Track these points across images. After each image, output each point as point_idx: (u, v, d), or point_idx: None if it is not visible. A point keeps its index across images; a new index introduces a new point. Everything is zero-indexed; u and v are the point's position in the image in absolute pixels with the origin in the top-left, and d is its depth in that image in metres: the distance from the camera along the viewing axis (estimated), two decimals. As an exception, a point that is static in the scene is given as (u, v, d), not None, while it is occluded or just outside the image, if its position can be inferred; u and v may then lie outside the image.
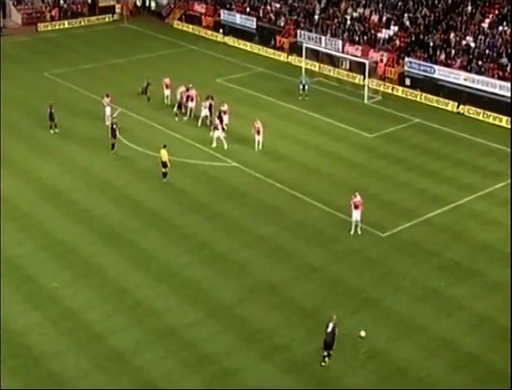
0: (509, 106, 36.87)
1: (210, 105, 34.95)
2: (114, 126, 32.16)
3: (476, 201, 28.68)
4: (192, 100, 35.87)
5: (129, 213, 27.51)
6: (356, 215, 25.93)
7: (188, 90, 36.21)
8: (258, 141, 32.56)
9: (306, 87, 39.39)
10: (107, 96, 35.44)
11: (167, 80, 38.16)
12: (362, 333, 20.48)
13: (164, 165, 29.63)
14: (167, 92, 37.97)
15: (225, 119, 33.97)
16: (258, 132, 32.42)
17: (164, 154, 29.57)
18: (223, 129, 32.90)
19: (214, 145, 32.68)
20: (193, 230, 26.33)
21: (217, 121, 33.07)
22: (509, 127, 35.86)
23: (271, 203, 28.39)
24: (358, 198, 25.94)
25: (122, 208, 27.89)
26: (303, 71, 41.70)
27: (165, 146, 29.89)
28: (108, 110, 35.22)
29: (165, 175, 29.73)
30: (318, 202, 28.37)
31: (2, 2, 55.60)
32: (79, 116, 36.74)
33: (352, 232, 25.97)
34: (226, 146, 32.51)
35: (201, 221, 26.97)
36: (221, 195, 28.97)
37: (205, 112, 34.84)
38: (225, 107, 34.23)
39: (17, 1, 55.96)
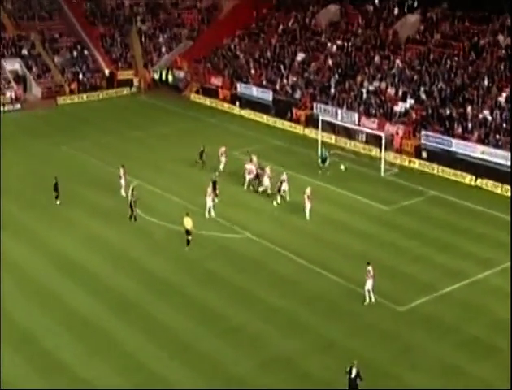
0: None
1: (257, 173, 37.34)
2: (134, 198, 33.42)
3: (495, 276, 29.03)
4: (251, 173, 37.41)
5: (144, 284, 28.27)
6: (368, 285, 26.54)
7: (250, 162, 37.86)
8: (308, 208, 33.99)
9: (328, 161, 40.39)
10: (123, 166, 36.97)
11: (223, 149, 39.82)
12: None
13: (188, 233, 30.84)
14: (223, 159, 39.65)
15: (284, 186, 35.78)
16: (309, 199, 33.90)
17: (188, 222, 30.84)
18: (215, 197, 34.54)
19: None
20: (208, 302, 26.94)
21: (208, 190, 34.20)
22: (528, 200, 36.47)
23: (286, 274, 29.00)
24: (370, 268, 26.62)
25: (137, 279, 28.66)
26: (319, 144, 42.97)
27: (188, 214, 31.21)
28: (123, 181, 36.73)
29: (188, 242, 30.90)
30: (334, 274, 28.93)
31: (23, 76, 58.44)
32: (96, 188, 38.11)
33: (366, 302, 26.49)
34: (212, 215, 33.72)
35: (217, 293, 27.61)
36: (236, 266, 29.70)
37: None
38: (284, 176, 36.00)
39: (37, 75, 58.77)
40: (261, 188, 36.84)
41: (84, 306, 26.59)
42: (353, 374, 19.66)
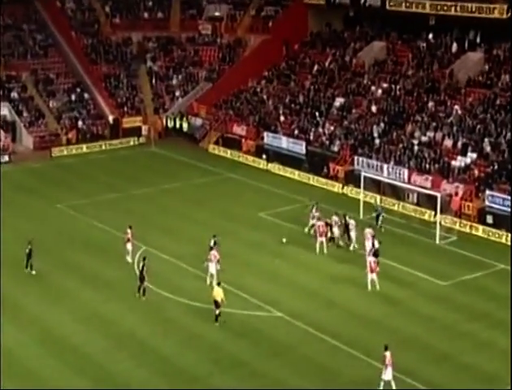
0: None
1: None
2: (145, 267, 34.28)
3: None
4: None
5: (153, 371, 28.73)
6: (387, 375, 26.98)
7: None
8: (373, 280, 34.87)
9: (381, 217, 42.29)
10: (130, 228, 38.08)
11: None
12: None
13: (217, 305, 31.75)
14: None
15: (352, 234, 39.38)
16: (372, 271, 34.83)
17: (218, 293, 31.85)
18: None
19: None
20: (231, 394, 27.46)
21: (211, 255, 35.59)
22: None
23: (322, 361, 29.36)
24: (387, 354, 27.07)
25: (144, 365, 29.18)
26: (361, 203, 43.67)
27: (219, 284, 32.27)
28: (130, 245, 37.74)
29: (217, 317, 31.80)
30: (378, 362, 29.08)
31: (12, 123, 60.39)
32: (96, 254, 39.13)
33: None
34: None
35: (240, 382, 28.05)
36: (263, 351, 30.18)
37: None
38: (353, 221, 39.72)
39: (29, 122, 60.74)
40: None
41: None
42: None
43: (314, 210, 41.38)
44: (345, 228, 40.25)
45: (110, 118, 62.43)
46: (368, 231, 38.66)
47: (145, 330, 31.93)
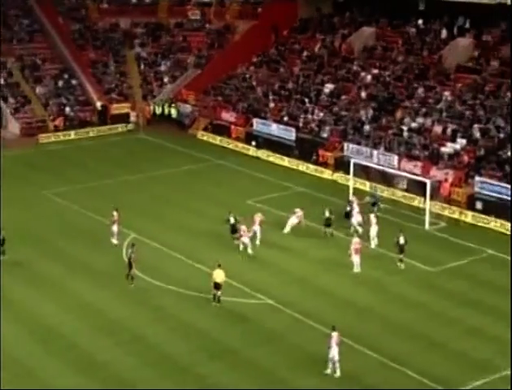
0: None
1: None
2: (133, 254, 34.19)
3: None
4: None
5: (141, 359, 28.60)
6: (333, 352, 27.27)
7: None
8: (356, 262, 35.29)
9: (378, 205, 42.48)
10: (116, 210, 38.28)
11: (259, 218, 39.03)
12: None
13: (217, 287, 32.14)
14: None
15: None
16: (357, 252, 35.15)
17: (219, 275, 32.24)
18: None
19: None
20: (217, 381, 27.30)
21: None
22: None
23: (312, 350, 29.30)
24: (334, 335, 27.48)
25: (133, 353, 29.07)
26: (350, 189, 43.66)
27: (220, 265, 32.51)
28: (115, 227, 37.91)
29: (217, 298, 32.34)
30: (369, 350, 29.22)
31: (-2, 110, 59.96)
32: (83, 242, 38.93)
33: (328, 371, 27.27)
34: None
35: (230, 370, 28.00)
36: (253, 338, 30.13)
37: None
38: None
39: (15, 108, 60.28)
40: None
41: (70, 387, 26.96)
42: None
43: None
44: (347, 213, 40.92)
45: (98, 104, 62.03)
46: (373, 217, 38.99)
47: (133, 318, 31.76)
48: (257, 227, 38.35)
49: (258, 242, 38.20)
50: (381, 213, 41.90)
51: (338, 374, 27.42)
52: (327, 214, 39.44)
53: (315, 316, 31.58)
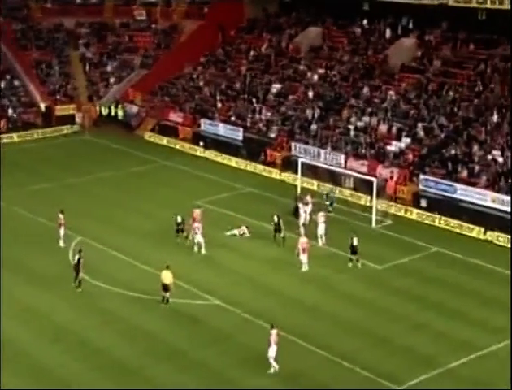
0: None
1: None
2: (81, 260, 33.73)
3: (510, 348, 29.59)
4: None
5: (88, 364, 28.35)
6: (271, 351, 27.46)
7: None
8: (304, 261, 35.54)
9: (333, 204, 42.75)
10: (61, 213, 37.90)
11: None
12: None
13: (166, 289, 32.05)
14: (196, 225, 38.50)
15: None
16: (304, 251, 35.26)
17: (167, 276, 32.11)
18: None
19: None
20: (166, 383, 27.17)
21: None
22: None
23: (261, 349, 29.25)
24: (273, 332, 27.64)
25: (80, 359, 28.77)
26: (298, 187, 43.87)
27: (168, 267, 32.32)
28: (62, 230, 37.61)
29: (167, 300, 32.24)
30: (318, 348, 29.43)
31: None
32: (27, 246, 38.40)
33: (272, 371, 27.46)
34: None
35: (176, 372, 27.88)
36: (201, 340, 30.07)
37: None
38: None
39: (-47, 111, 59.15)
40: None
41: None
42: None
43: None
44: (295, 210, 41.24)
45: (42, 105, 61.35)
46: (321, 215, 39.04)
47: (79, 322, 31.46)
48: (198, 224, 37.87)
49: (201, 239, 37.83)
50: (333, 212, 42.32)
51: (272, 371, 27.54)
52: (275, 219, 39.04)
53: (264, 315, 31.65)
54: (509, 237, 39.07)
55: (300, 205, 40.97)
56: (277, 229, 38.94)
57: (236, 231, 39.78)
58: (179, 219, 38.50)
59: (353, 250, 36.32)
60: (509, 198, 40.79)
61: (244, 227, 39.87)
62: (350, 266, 36.44)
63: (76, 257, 34.19)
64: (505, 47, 51.13)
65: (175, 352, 29.28)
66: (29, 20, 68.67)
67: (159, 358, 28.78)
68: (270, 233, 39.21)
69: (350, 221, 42.00)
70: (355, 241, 36.33)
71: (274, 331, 27.83)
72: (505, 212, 40.69)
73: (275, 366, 27.63)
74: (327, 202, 43.04)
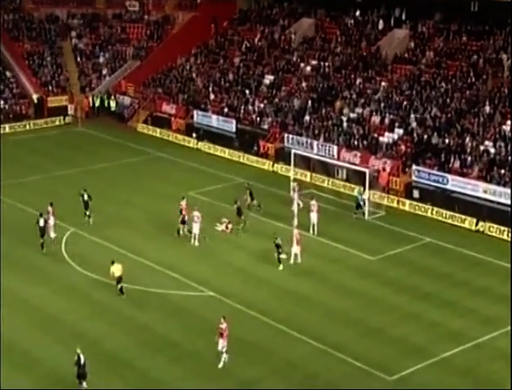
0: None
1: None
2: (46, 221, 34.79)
3: (502, 338, 29.86)
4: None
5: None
6: (221, 344, 27.58)
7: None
8: (296, 254, 35.45)
9: (366, 203, 41.51)
10: (51, 205, 37.93)
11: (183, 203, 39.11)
12: None
13: (119, 280, 32.38)
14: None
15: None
16: (297, 243, 35.38)
17: (117, 269, 32.34)
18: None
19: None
20: (160, 374, 27.32)
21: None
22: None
23: (254, 340, 29.61)
24: (223, 326, 27.70)
25: (73, 350, 28.62)
26: (291, 180, 43.99)
27: (113, 262, 32.47)
28: (52, 220, 37.56)
29: (122, 290, 32.43)
30: (310, 338, 29.62)
31: None
32: (18, 238, 38.38)
33: (221, 365, 27.51)
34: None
35: (169, 364, 28.02)
36: (195, 331, 30.21)
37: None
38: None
39: None
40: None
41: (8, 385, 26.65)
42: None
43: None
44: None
45: (35, 97, 61.18)
46: (313, 204, 39.15)
47: (72, 313, 31.57)
48: (197, 213, 37.89)
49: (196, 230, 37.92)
50: (324, 204, 42.28)
51: (221, 365, 27.58)
52: (238, 203, 39.56)
53: (256, 306, 31.86)
54: (501, 228, 39.32)
55: (292, 194, 41.04)
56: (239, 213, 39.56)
57: (222, 227, 39.63)
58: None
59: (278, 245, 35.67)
60: (501, 189, 41.04)
61: (225, 219, 39.72)
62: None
63: (42, 221, 35.07)
64: (496, 38, 51.23)
65: (168, 343, 29.43)
66: (21, 11, 68.41)
67: (152, 349, 28.90)
68: (263, 225, 39.40)
69: (344, 212, 42.14)
70: (279, 240, 35.65)
71: (224, 325, 27.70)
72: (497, 203, 40.94)
73: (220, 361, 27.60)
74: (361, 202, 41.59)
